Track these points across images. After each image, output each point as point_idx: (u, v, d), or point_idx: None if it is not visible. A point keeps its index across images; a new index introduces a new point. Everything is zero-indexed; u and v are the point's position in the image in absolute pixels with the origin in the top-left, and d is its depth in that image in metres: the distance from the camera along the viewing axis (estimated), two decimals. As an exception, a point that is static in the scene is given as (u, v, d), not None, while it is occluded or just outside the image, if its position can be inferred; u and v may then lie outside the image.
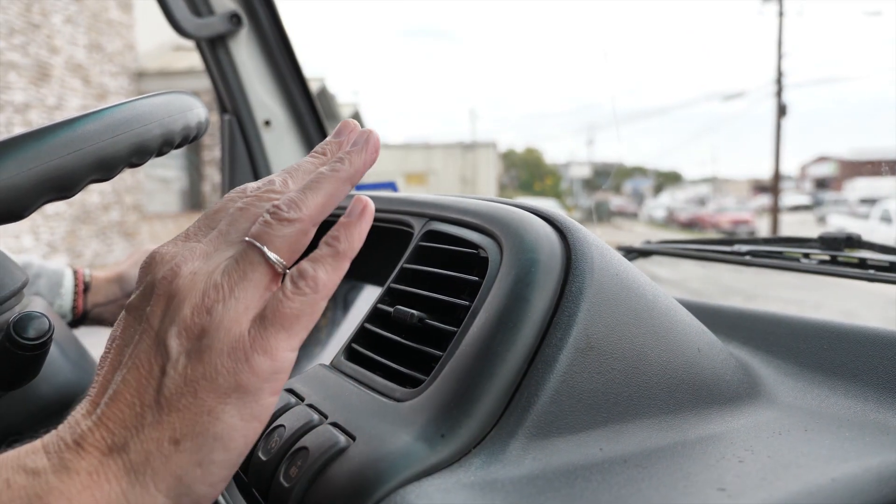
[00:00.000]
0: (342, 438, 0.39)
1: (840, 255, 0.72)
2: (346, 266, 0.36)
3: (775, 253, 0.78)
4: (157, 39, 10.33)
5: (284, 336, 0.34)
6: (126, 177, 9.82)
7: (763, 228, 19.22)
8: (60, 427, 0.35)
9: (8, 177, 0.44)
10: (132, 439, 0.33)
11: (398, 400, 0.42)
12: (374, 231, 0.38)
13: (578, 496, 0.33)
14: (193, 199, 11.46)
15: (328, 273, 0.35)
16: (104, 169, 0.49)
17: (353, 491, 0.35)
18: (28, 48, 7.85)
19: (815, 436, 0.42)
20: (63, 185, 0.47)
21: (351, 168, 0.38)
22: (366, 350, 0.49)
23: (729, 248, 0.82)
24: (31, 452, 0.33)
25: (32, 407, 0.62)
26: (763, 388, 0.49)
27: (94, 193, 9.07)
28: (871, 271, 0.68)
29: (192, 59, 9.62)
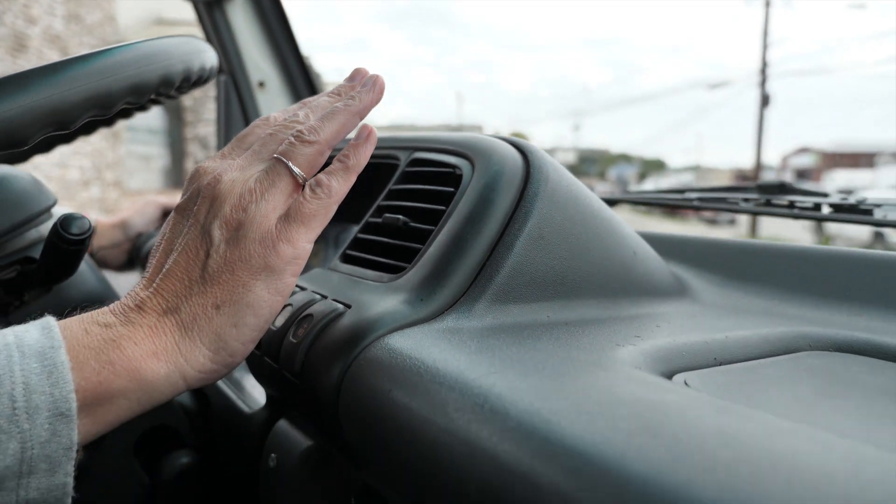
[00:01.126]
0: (340, 306, 0.48)
1: (773, 198, 0.82)
2: (353, 179, 0.46)
3: (720, 199, 0.88)
4: (137, 13, 10.23)
5: (304, 230, 0.43)
6: (107, 153, 9.78)
7: (742, 217, 19.49)
8: (122, 298, 0.44)
9: (7, 108, 0.46)
10: (182, 305, 0.42)
11: (386, 281, 0.51)
12: (362, 173, 0.47)
13: (525, 340, 0.43)
14: (175, 177, 11.41)
15: (339, 182, 0.45)
16: (102, 106, 0.50)
17: (347, 340, 0.45)
18: (4, 17, 7.75)
19: (724, 317, 0.52)
20: (62, 119, 0.48)
21: (361, 104, 0.47)
22: (358, 253, 0.59)
23: (681, 195, 0.92)
24: (101, 313, 0.42)
25: (65, 308, 0.71)
26: (689, 290, 0.59)
27: (73, 169, 9.01)
28: (797, 210, 0.78)
29: (173, 33, 9.53)
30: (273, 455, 0.56)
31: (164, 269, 0.44)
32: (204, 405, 0.78)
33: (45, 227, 0.67)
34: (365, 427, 0.41)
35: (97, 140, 9.33)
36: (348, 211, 0.62)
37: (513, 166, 0.53)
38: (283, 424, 0.58)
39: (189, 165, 10.78)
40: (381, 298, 0.48)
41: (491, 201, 0.50)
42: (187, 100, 11.62)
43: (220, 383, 0.74)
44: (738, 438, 0.27)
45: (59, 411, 0.37)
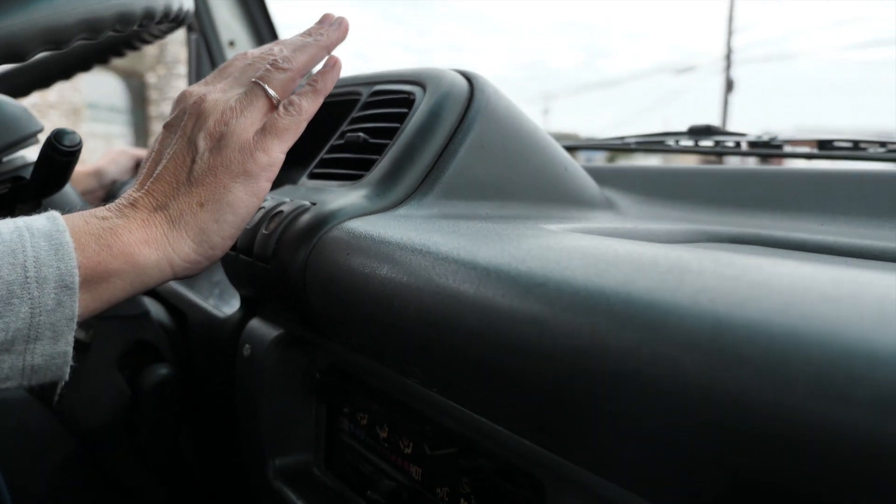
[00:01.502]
0: (307, 203, 0.55)
1: (701, 139, 0.91)
2: (320, 100, 0.53)
3: (656, 142, 0.97)
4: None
5: (277, 142, 0.50)
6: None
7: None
8: (117, 199, 0.50)
9: (8, 23, 0.47)
10: (171, 203, 0.49)
11: (347, 185, 0.58)
12: (330, 114, 0.53)
13: (471, 222, 0.50)
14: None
15: (309, 103, 0.52)
16: (54, 41, 0.51)
17: (312, 227, 0.52)
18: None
19: (641, 223, 0.61)
20: (13, 52, 0.50)
21: (328, 40, 0.54)
22: (323, 170, 0.66)
23: (622, 141, 1.01)
24: (98, 210, 0.49)
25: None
26: (614, 205, 0.68)
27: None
28: (720, 148, 0.88)
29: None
30: (247, 346, 0.63)
31: (154, 174, 0.50)
32: (181, 323, 0.85)
33: (33, 153, 0.73)
34: (328, 294, 0.49)
35: (57, 118, 9.13)
36: (311, 154, 0.70)
37: (459, 89, 0.60)
38: (255, 322, 0.65)
39: (152, 144, 10.59)
40: (342, 196, 0.55)
41: (438, 116, 0.58)
42: (151, 77, 11.42)
43: (197, 299, 0.81)
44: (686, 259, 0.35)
45: (64, 283, 0.44)
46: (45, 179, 0.63)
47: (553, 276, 0.32)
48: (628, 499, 0.30)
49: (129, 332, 0.79)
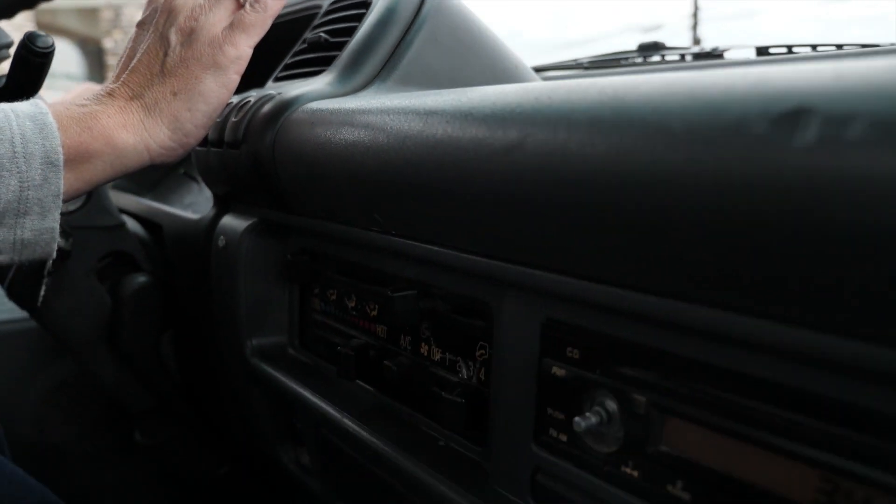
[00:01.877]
0: (273, 92, 0.59)
1: (648, 55, 0.96)
2: (284, 1, 0.56)
3: (609, 60, 1.02)
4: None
5: (245, 36, 0.54)
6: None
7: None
8: (95, 90, 0.53)
9: None
10: (146, 92, 0.52)
11: (310, 78, 0.62)
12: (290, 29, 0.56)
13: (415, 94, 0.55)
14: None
15: (273, 0, 0.55)
16: None
17: (278, 109, 0.56)
18: None
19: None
20: None
21: None
22: (288, 72, 0.69)
23: (576, 62, 1.05)
24: (76, 99, 0.52)
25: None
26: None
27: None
28: (666, 63, 0.93)
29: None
30: (221, 237, 0.67)
31: (129, 68, 0.53)
32: (157, 235, 0.88)
33: (4, 66, 0.75)
34: (296, 166, 0.53)
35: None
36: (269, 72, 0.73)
37: (413, -9, 0.64)
38: (228, 217, 0.69)
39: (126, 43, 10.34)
40: (305, 85, 0.59)
41: (394, 11, 0.62)
42: (108, 42, 11.09)
43: (172, 209, 0.84)
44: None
45: (50, 160, 0.47)
46: (20, 82, 0.65)
47: (487, 99, 0.37)
48: (562, 287, 0.35)
49: (107, 242, 0.83)
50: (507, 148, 0.34)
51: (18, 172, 0.46)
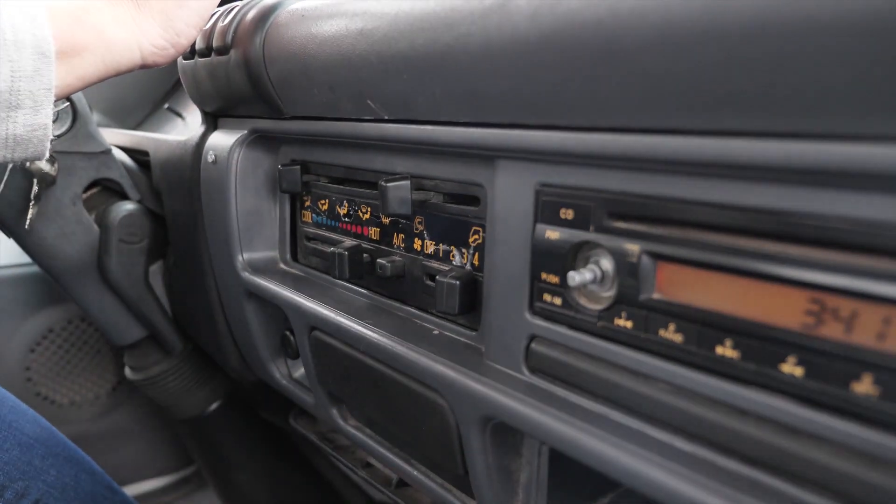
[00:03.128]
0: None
1: None
2: None
3: None
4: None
5: None
6: None
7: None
8: None
9: None
10: None
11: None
12: None
13: None
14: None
15: None
16: None
17: (267, 10, 0.55)
18: None
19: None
20: None
21: None
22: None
23: None
24: None
25: None
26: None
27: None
28: None
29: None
30: (210, 153, 0.67)
31: None
32: (144, 164, 0.87)
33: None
34: (287, 63, 0.53)
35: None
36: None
37: None
38: (217, 133, 0.68)
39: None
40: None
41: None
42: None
43: (156, 135, 0.83)
44: None
45: (41, 51, 0.46)
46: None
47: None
48: (554, 143, 0.35)
49: (93, 170, 0.82)
50: (497, 5, 0.34)
51: (10, 61, 0.45)
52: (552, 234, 0.37)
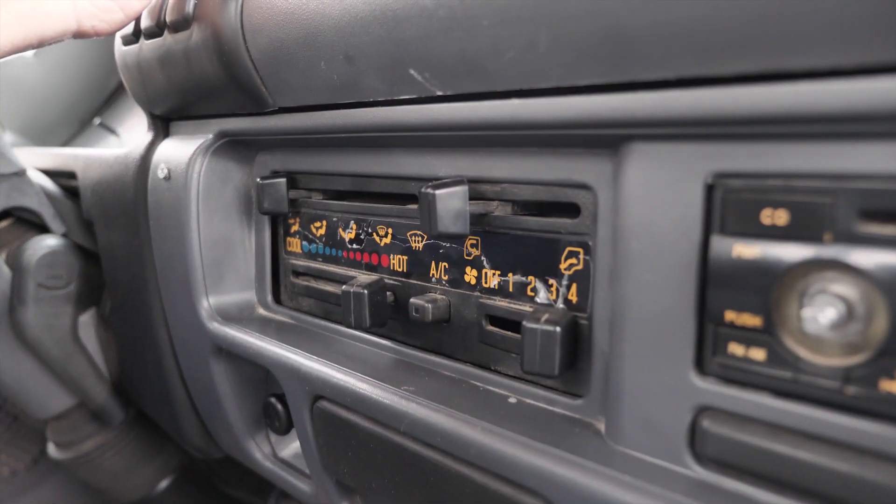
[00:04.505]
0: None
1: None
2: None
3: None
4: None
5: None
6: None
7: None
8: None
9: None
10: None
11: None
12: None
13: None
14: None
15: None
16: None
17: None
18: None
19: None
20: None
21: None
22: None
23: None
24: None
25: None
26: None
27: None
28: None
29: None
30: (162, 166, 0.51)
31: None
32: (71, 189, 0.70)
33: None
34: (280, 33, 0.38)
35: None
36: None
37: None
38: (168, 142, 0.53)
39: None
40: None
41: None
42: None
43: (86, 150, 0.66)
44: None
45: None
46: None
47: None
48: (751, 102, 0.22)
49: (1, 195, 0.64)
50: None
51: None
52: (746, 249, 0.24)
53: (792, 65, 0.21)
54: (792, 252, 0.22)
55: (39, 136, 0.90)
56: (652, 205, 0.26)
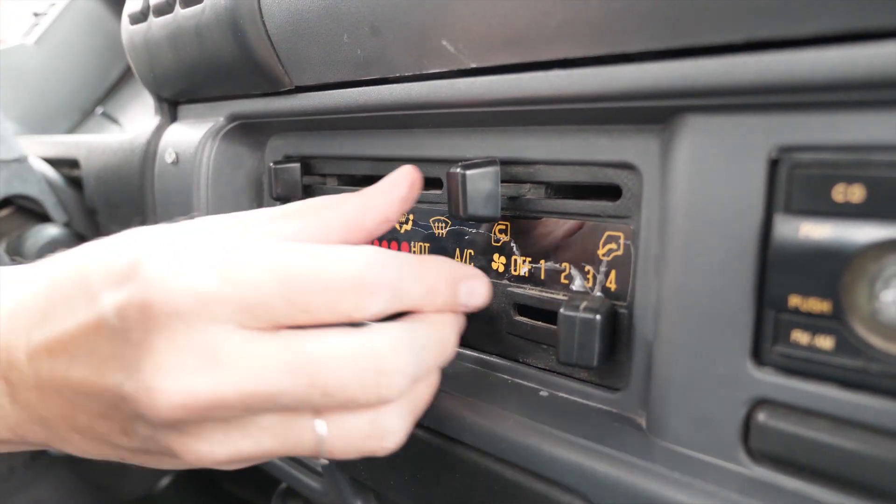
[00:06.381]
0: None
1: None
2: None
3: None
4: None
5: None
6: None
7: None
8: None
9: None
10: None
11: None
12: None
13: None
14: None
15: None
16: None
17: None
18: None
19: None
20: None
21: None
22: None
23: None
24: None
25: None
26: None
27: None
28: None
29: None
30: (170, 150, 0.49)
31: None
32: (73, 179, 0.68)
33: None
34: (298, 6, 0.36)
35: None
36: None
37: None
38: (176, 126, 0.51)
39: None
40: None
41: None
42: None
43: (90, 137, 0.64)
44: None
45: None
46: None
47: None
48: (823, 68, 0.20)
49: (2, 182, 0.62)
50: None
51: None
52: (815, 229, 0.22)
53: (882, 23, 0.19)
54: (867, 232, 0.21)
55: (40, 125, 0.88)
56: (706, 183, 0.24)
